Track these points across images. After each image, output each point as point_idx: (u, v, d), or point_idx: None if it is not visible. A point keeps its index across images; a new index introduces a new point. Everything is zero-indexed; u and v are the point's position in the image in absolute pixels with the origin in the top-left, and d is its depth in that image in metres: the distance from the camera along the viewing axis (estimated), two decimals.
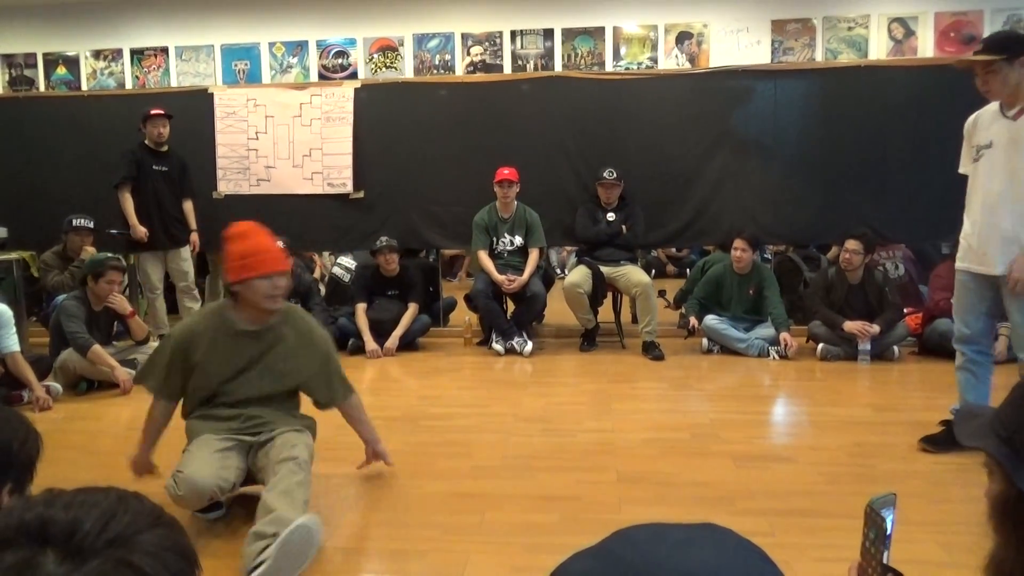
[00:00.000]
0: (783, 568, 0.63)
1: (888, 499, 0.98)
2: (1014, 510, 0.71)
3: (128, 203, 5.33)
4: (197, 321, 2.61)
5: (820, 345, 4.93)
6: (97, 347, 4.29)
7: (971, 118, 3.09)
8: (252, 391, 2.58)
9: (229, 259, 2.47)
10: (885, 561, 0.95)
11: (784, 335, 4.91)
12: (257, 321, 2.54)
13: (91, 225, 5.32)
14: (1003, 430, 0.72)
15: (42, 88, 6.92)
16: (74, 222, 5.30)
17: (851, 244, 4.84)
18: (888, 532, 0.95)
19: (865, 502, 0.99)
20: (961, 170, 3.14)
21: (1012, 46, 2.82)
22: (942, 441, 3.14)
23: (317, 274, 6.80)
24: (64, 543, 0.57)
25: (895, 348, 4.87)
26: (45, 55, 6.97)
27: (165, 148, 5.46)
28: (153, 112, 5.37)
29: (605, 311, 5.52)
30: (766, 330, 5.07)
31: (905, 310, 5.03)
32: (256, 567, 2.05)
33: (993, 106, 2.97)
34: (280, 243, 5.24)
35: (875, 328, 4.74)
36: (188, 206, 5.59)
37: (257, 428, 2.57)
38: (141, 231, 5.31)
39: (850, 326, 4.78)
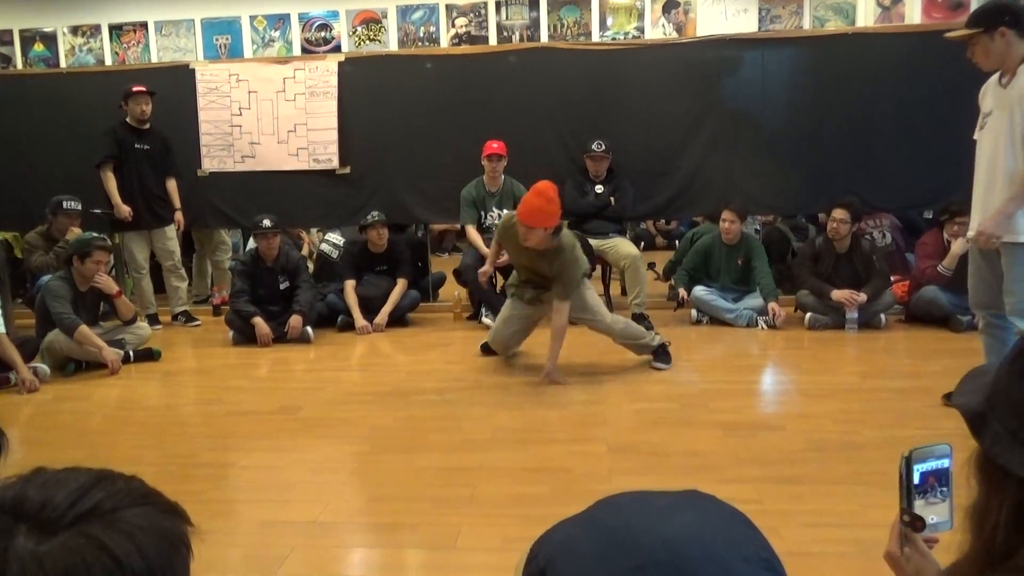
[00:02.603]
0: (771, 534, 0.64)
1: (931, 450, 1.01)
2: (982, 466, 0.74)
3: (111, 182, 5.27)
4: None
5: (808, 314, 4.95)
6: (83, 328, 4.26)
7: (983, 86, 3.10)
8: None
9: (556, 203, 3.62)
10: (908, 507, 1.00)
11: (772, 305, 4.93)
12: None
13: (80, 208, 5.26)
14: (988, 389, 0.74)
15: (19, 66, 6.78)
16: (64, 205, 5.22)
17: (838, 213, 4.85)
18: (913, 479, 1.00)
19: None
20: (974, 136, 3.14)
21: (986, 19, 2.88)
22: None
23: (305, 251, 6.76)
24: (34, 518, 0.56)
25: (882, 316, 4.90)
26: (22, 31, 6.82)
27: (147, 126, 5.39)
28: (135, 89, 5.28)
29: (594, 283, 5.52)
30: (754, 300, 5.08)
31: (892, 278, 5.06)
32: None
33: (998, 74, 3.00)
34: (267, 221, 5.20)
35: (862, 297, 4.77)
36: (172, 184, 5.53)
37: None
38: (125, 210, 5.26)
39: (838, 295, 4.80)
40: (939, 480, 1.01)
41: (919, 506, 1.00)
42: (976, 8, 3.10)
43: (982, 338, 3.21)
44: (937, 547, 1.05)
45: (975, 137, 3.12)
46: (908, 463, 1.00)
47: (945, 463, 1.01)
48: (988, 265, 3.07)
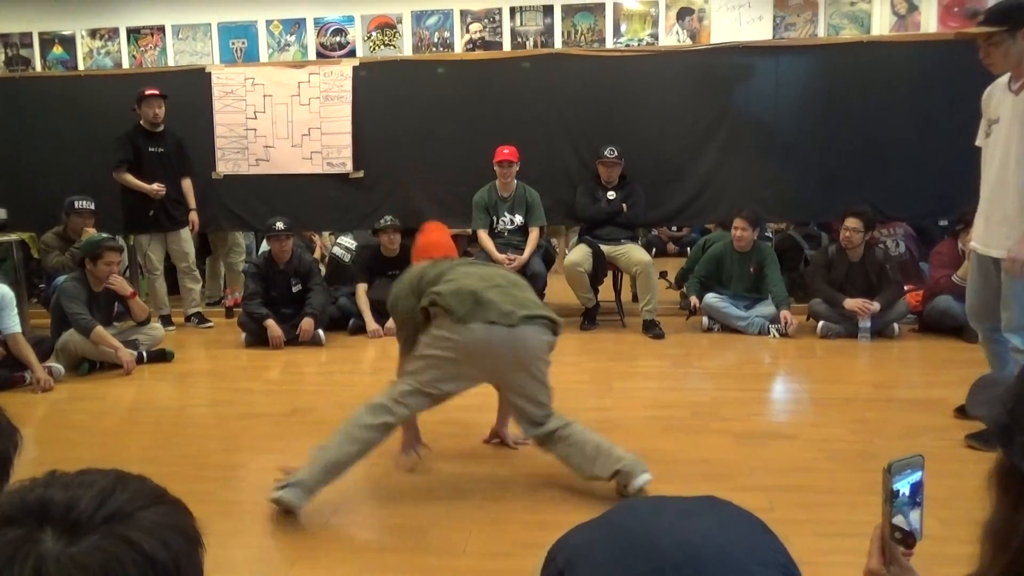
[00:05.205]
0: None
1: (909, 461, 0.99)
2: (1006, 479, 0.73)
3: (130, 179, 5.30)
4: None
5: (820, 323, 4.93)
6: (100, 328, 4.30)
7: (987, 91, 2.96)
8: None
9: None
10: (893, 521, 0.97)
11: (784, 313, 4.91)
12: None
13: (92, 207, 5.30)
14: (1009, 401, 0.73)
15: (38, 68, 6.86)
16: (76, 204, 5.28)
17: (851, 222, 4.83)
18: (898, 492, 0.97)
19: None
20: (977, 143, 3.02)
21: (1014, 16, 2.70)
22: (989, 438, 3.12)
23: (317, 254, 6.79)
24: (61, 520, 0.58)
25: (895, 325, 4.87)
26: (41, 34, 6.90)
27: (160, 129, 5.43)
28: (148, 92, 5.32)
29: (605, 290, 5.52)
30: (766, 308, 5.06)
31: (905, 287, 5.03)
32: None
33: (1004, 79, 2.85)
34: (280, 224, 5.21)
35: (875, 305, 4.74)
36: (187, 183, 5.57)
37: None
38: (155, 188, 5.29)
39: (850, 303, 4.78)
40: (917, 492, 1.00)
41: (904, 520, 0.98)
42: (997, 4, 2.87)
43: (984, 351, 3.16)
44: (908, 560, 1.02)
45: (978, 143, 3.00)
46: (888, 475, 0.98)
47: (920, 474, 1.00)
48: (985, 279, 2.99)
